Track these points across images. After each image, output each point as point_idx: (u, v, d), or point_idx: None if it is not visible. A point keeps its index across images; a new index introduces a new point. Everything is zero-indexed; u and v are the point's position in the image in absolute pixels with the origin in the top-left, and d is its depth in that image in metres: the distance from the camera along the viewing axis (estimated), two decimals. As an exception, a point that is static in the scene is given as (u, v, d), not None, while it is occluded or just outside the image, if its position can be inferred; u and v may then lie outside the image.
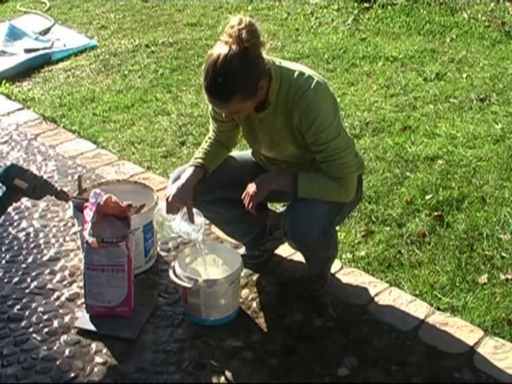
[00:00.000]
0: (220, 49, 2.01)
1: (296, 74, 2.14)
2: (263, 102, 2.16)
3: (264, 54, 2.10)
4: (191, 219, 2.27)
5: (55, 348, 2.28)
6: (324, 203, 2.21)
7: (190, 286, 2.27)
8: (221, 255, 2.46)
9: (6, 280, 2.63)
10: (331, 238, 2.38)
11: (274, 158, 2.35)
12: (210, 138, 2.44)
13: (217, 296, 2.31)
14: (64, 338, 2.32)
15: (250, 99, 2.08)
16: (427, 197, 3.07)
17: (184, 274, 2.31)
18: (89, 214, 2.33)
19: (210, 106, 2.32)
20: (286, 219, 2.27)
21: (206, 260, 2.43)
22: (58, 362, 2.21)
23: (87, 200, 2.38)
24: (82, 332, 2.34)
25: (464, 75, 4.51)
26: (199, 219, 2.31)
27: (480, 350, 2.22)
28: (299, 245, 2.33)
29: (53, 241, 2.90)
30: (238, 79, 2.01)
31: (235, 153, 2.58)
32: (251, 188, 2.23)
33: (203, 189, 2.35)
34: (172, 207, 2.26)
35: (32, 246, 2.87)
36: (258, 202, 2.25)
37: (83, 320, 2.39)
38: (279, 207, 2.88)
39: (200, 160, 2.35)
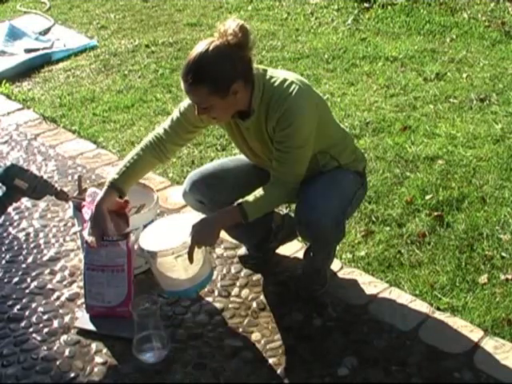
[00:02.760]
0: (205, 41, 2.10)
1: (279, 81, 2.16)
2: (248, 111, 2.18)
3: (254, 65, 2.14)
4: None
5: (55, 348, 2.28)
6: (336, 194, 2.24)
7: (142, 256, 2.29)
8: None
9: (5, 280, 2.64)
10: (343, 229, 2.36)
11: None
12: (145, 146, 2.35)
13: (166, 268, 2.26)
14: (64, 337, 2.32)
15: (220, 97, 2.07)
16: (427, 197, 3.07)
17: (138, 244, 2.29)
18: (87, 212, 2.33)
19: (186, 103, 2.29)
20: (300, 208, 2.26)
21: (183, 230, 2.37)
22: (57, 362, 2.21)
23: (87, 200, 2.38)
24: (82, 332, 2.34)
25: (464, 75, 4.50)
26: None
27: (480, 350, 2.21)
28: (313, 233, 2.28)
29: (53, 241, 2.90)
30: (208, 68, 2.04)
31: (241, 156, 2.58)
32: (197, 238, 2.20)
33: (223, 190, 2.39)
34: (94, 235, 2.27)
35: (32, 246, 2.87)
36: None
37: (83, 320, 2.39)
38: (282, 209, 2.89)
39: (113, 181, 2.30)
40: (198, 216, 2.34)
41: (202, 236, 2.20)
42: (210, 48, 2.05)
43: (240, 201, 2.21)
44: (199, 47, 2.08)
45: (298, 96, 2.13)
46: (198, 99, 2.11)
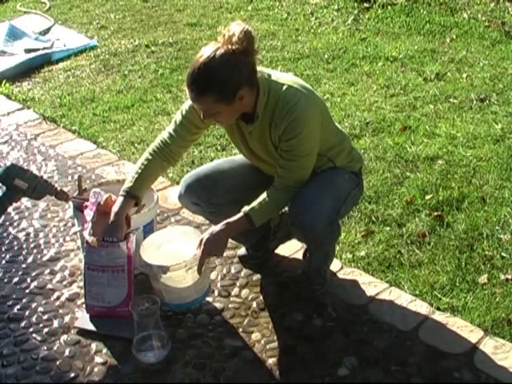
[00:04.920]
0: (210, 46, 2.06)
1: (284, 88, 2.15)
2: (252, 115, 2.18)
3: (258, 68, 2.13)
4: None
5: (55, 348, 2.28)
6: (330, 194, 2.24)
7: (146, 272, 2.29)
8: (193, 239, 2.38)
9: (5, 280, 2.64)
10: (337, 228, 2.37)
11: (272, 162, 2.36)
12: (153, 151, 2.37)
13: (175, 281, 2.28)
14: (64, 337, 2.32)
15: (226, 104, 2.07)
16: (427, 197, 3.07)
17: (141, 259, 2.30)
18: (89, 213, 2.33)
19: (188, 106, 2.29)
20: (293, 209, 2.26)
21: (181, 243, 2.41)
22: (57, 362, 2.21)
23: (87, 200, 2.38)
24: (82, 332, 2.34)
25: (464, 75, 4.51)
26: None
27: (480, 350, 2.21)
28: (306, 234, 2.29)
29: (53, 241, 2.90)
30: (215, 77, 2.03)
31: (240, 156, 2.58)
32: (207, 250, 2.23)
33: (218, 192, 2.39)
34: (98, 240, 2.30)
35: (32, 245, 2.87)
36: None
37: (83, 320, 2.39)
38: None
39: (128, 189, 2.31)
40: (185, 227, 2.42)
41: (212, 247, 2.23)
42: (215, 56, 2.02)
43: (246, 208, 2.21)
44: (204, 54, 2.04)
45: (305, 105, 2.13)
46: (204, 107, 2.11)
